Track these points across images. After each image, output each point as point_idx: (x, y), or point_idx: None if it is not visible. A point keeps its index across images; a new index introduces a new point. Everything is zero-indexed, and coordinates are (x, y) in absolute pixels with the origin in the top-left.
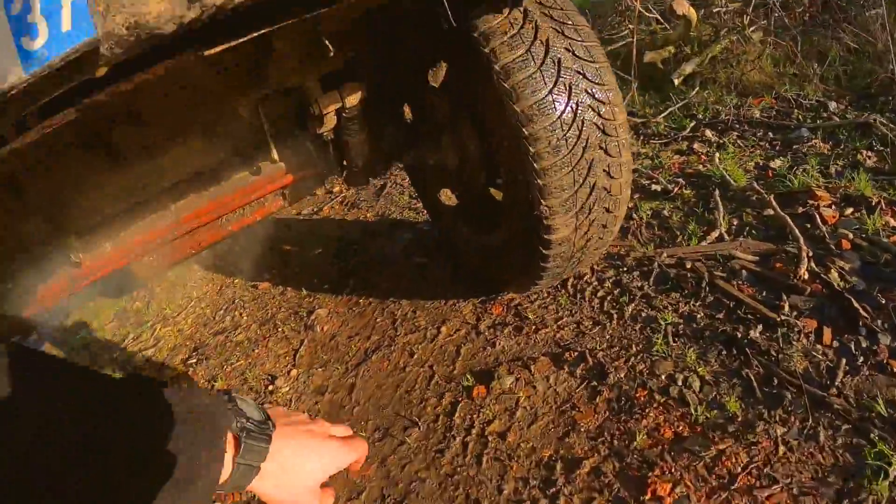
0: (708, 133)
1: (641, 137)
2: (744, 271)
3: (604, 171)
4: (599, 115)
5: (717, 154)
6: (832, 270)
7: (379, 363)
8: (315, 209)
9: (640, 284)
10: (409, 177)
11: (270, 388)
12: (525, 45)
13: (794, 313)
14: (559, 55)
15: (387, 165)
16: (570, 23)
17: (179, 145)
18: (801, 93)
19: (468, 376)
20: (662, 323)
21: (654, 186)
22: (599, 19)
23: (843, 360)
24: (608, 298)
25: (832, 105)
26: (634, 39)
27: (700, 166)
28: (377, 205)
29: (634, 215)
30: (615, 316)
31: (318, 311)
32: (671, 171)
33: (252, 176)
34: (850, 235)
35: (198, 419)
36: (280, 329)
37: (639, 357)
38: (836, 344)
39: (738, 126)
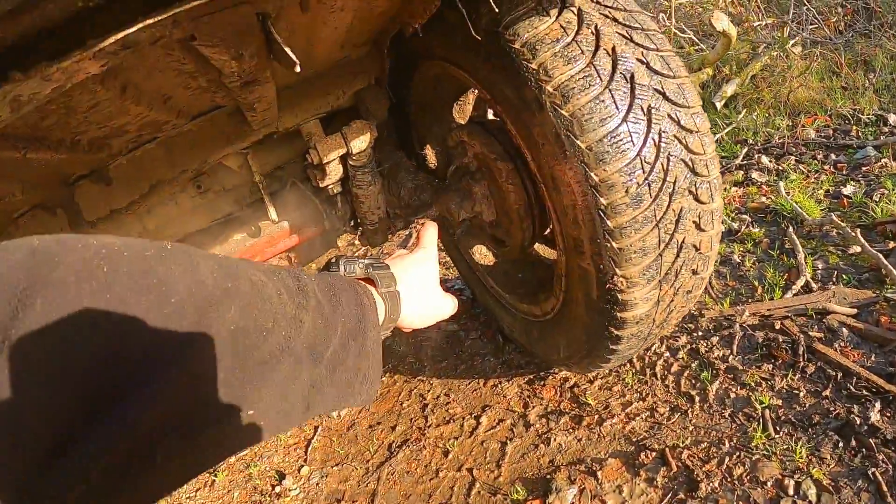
0: (764, 160)
1: None
2: (844, 329)
3: (693, 223)
4: (688, 147)
5: (781, 183)
6: None
7: (406, 463)
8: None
9: (722, 354)
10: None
11: (278, 489)
12: (586, 56)
13: None
14: (631, 68)
15: (407, 221)
16: (638, 26)
17: (163, 205)
18: (856, 107)
19: (517, 486)
20: (758, 406)
21: None
22: None
23: None
24: (685, 374)
25: (892, 118)
26: None
27: (764, 198)
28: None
29: None
30: (697, 398)
31: None
32: (733, 205)
33: (251, 238)
34: None
35: (338, 285)
36: None
37: (735, 456)
38: None
39: (794, 150)
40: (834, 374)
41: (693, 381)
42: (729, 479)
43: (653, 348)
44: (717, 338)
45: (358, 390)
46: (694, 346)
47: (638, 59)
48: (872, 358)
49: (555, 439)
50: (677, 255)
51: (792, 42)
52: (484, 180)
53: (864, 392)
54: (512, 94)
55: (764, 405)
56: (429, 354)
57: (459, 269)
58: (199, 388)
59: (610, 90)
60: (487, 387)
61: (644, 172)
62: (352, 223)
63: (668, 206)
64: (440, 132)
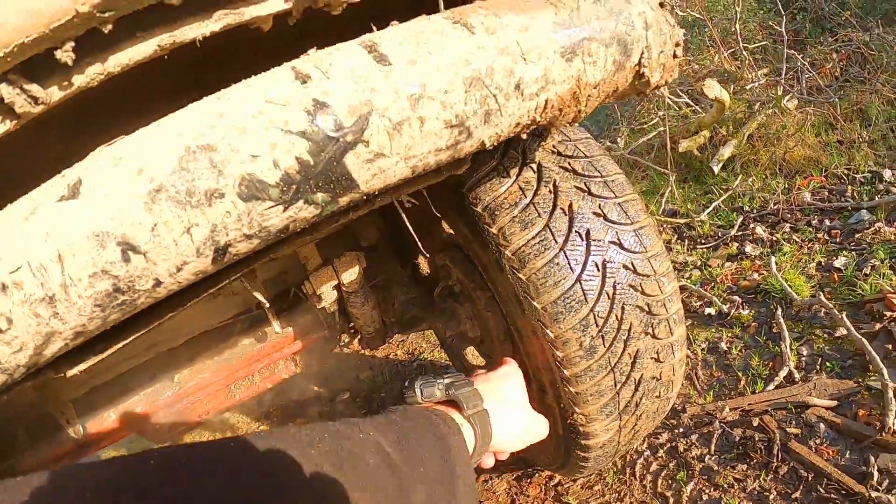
0: (759, 230)
1: (687, 241)
2: (821, 424)
3: (652, 358)
4: (644, 292)
5: (774, 258)
6: None
7: None
8: (345, 343)
9: (699, 453)
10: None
11: None
12: (542, 218)
13: (886, 482)
14: (587, 224)
15: (404, 329)
16: (597, 174)
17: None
18: (851, 164)
19: None
20: None
21: (707, 309)
22: (627, 108)
23: None
24: (663, 474)
25: (887, 174)
26: (667, 129)
27: (756, 275)
28: (407, 339)
29: (689, 351)
30: (672, 500)
31: None
32: (724, 284)
33: (258, 343)
34: None
35: (410, 427)
36: None
37: None
38: None
39: (789, 216)
40: (806, 474)
41: (669, 482)
42: None
43: (636, 446)
44: (697, 435)
45: None
46: (674, 443)
47: (594, 213)
48: (847, 455)
49: None
50: (636, 390)
51: (787, 98)
52: (467, 302)
53: (833, 495)
54: (480, 251)
55: None
56: None
57: (455, 366)
58: None
59: (565, 252)
60: (479, 481)
61: (598, 326)
62: (350, 331)
63: (624, 350)
64: (432, 245)
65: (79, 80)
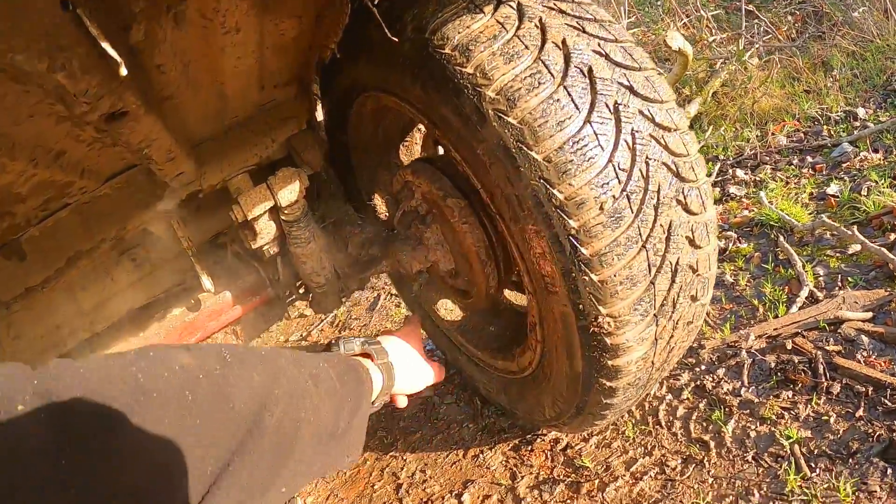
0: (739, 173)
1: None
2: (863, 337)
3: (686, 239)
4: (668, 148)
5: (763, 193)
6: None
7: None
8: (303, 334)
9: (732, 387)
10: (395, 285)
11: None
12: (531, 51)
13: None
14: (588, 61)
15: (360, 281)
16: (590, 17)
17: (98, 282)
18: (824, 106)
19: None
20: (785, 442)
21: None
22: None
23: None
24: (694, 418)
25: (861, 112)
26: None
27: (746, 212)
28: (371, 322)
29: None
30: (712, 444)
31: None
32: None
33: (191, 313)
34: None
35: (344, 367)
36: None
37: None
38: None
39: (768, 159)
40: (863, 389)
41: (704, 425)
42: None
43: (652, 392)
44: (724, 370)
45: (348, 456)
46: (699, 382)
47: (595, 52)
48: None
49: None
50: (672, 281)
51: (748, 55)
52: (435, 223)
53: None
54: (449, 111)
55: (791, 440)
56: (400, 426)
57: (425, 329)
58: (252, 473)
59: (565, 87)
60: (468, 458)
61: (620, 182)
62: (299, 288)
63: (655, 220)
64: (388, 178)
65: None
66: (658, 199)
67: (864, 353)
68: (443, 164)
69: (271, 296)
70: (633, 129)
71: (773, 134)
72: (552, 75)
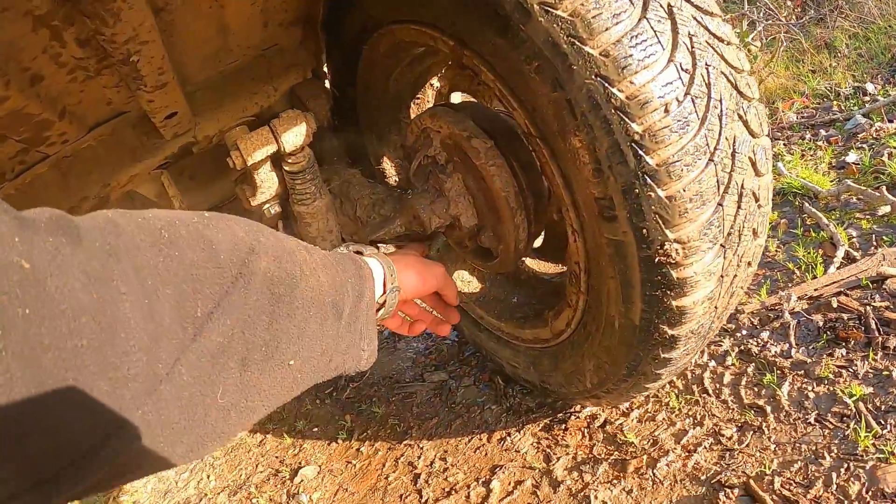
0: None
1: None
2: None
3: (749, 160)
4: (725, 59)
5: (780, 164)
6: None
7: None
8: None
9: (781, 349)
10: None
11: None
12: None
13: None
14: None
15: (371, 234)
16: None
17: None
18: (832, 83)
19: None
20: (848, 400)
21: None
22: None
23: None
24: (744, 383)
25: (870, 87)
26: None
27: None
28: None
29: None
30: (769, 409)
31: (304, 469)
32: None
33: None
34: None
35: (337, 254)
36: (255, 500)
37: (843, 469)
38: None
39: (780, 135)
40: None
41: (757, 389)
42: (847, 501)
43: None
44: (768, 332)
45: (365, 349)
46: (743, 347)
47: None
48: None
49: (596, 496)
50: (738, 206)
51: (751, 37)
52: (457, 173)
53: None
54: (482, 19)
55: (855, 397)
56: (414, 413)
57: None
58: (247, 328)
59: None
60: (493, 442)
61: (683, 84)
62: None
63: (720, 132)
64: (399, 139)
65: None
66: (721, 109)
67: None
68: (463, 107)
69: None
70: (689, 33)
71: (782, 111)
72: None
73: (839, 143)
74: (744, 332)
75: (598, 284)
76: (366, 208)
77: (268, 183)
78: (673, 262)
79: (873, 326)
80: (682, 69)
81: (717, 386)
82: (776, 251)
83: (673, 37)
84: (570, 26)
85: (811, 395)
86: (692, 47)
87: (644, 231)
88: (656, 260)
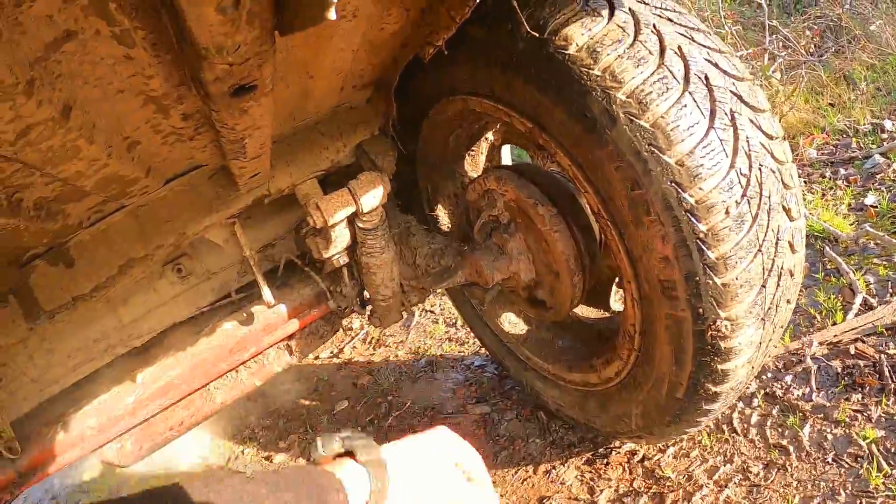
0: None
1: None
2: None
3: (789, 243)
4: (774, 155)
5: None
6: None
7: None
8: (333, 351)
9: (802, 393)
10: (451, 300)
11: None
12: (654, 56)
13: None
14: (703, 69)
15: (423, 294)
16: (693, 25)
17: (140, 293)
18: (851, 119)
19: None
20: (862, 442)
21: None
22: None
23: None
24: (769, 424)
25: (888, 124)
26: None
27: None
28: (408, 339)
29: None
30: (791, 448)
31: None
32: None
33: (243, 327)
34: None
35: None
36: None
37: None
38: None
39: (801, 172)
40: None
41: (781, 430)
42: None
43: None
44: (791, 376)
45: None
46: (768, 390)
47: (707, 60)
48: None
49: None
50: (778, 284)
51: (772, 69)
52: (519, 233)
53: None
54: (566, 113)
55: (868, 440)
56: None
57: (485, 343)
58: None
59: (690, 93)
60: (539, 474)
61: (741, 187)
62: (359, 301)
63: (768, 225)
64: (452, 189)
65: None
66: (770, 204)
67: None
68: (526, 171)
69: (332, 309)
70: (747, 137)
71: (803, 147)
72: (677, 81)
73: (858, 182)
74: (769, 376)
75: (651, 347)
76: (426, 257)
77: (341, 238)
78: (722, 335)
79: (887, 374)
80: (741, 174)
81: (745, 426)
82: (799, 295)
83: (734, 143)
84: (651, 136)
85: (829, 436)
86: (749, 151)
87: (700, 310)
88: (709, 334)
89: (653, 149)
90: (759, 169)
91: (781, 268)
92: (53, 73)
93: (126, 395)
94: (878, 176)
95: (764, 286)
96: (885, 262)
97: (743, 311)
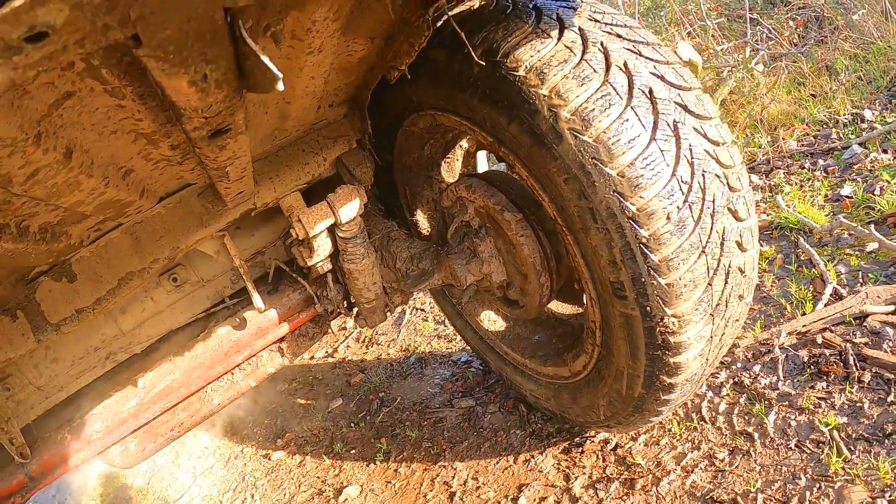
0: (754, 178)
1: None
2: (888, 329)
3: (736, 243)
4: (719, 161)
5: (779, 197)
6: None
7: None
8: (328, 350)
9: (769, 381)
10: (434, 299)
11: None
12: (598, 73)
13: None
14: (648, 83)
15: (405, 295)
16: (642, 40)
17: (138, 302)
18: (831, 110)
19: None
20: (824, 429)
21: None
22: None
23: None
24: (737, 412)
25: (867, 114)
26: None
27: (765, 216)
28: (399, 338)
29: None
30: (756, 435)
31: (347, 489)
32: None
33: (236, 332)
34: None
35: None
36: None
37: (816, 488)
38: None
39: (781, 163)
40: (892, 376)
41: (747, 418)
42: None
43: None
44: (759, 366)
45: None
46: (737, 379)
47: (652, 73)
48: None
49: None
50: (726, 282)
51: (754, 62)
52: (489, 237)
53: None
54: (519, 130)
55: (830, 426)
56: (446, 436)
57: (467, 340)
58: None
59: (632, 108)
60: (519, 463)
61: (683, 193)
62: (345, 304)
63: (712, 227)
64: (430, 195)
65: None
66: (714, 207)
67: (890, 343)
68: (495, 179)
69: (319, 312)
70: (690, 145)
71: (783, 139)
72: (620, 97)
73: (836, 173)
74: (738, 366)
75: (610, 341)
76: (405, 261)
77: (323, 247)
78: (671, 331)
79: (852, 362)
80: (682, 181)
81: (713, 414)
82: (771, 286)
83: (676, 152)
84: (594, 150)
85: (793, 423)
86: (692, 158)
87: (648, 308)
88: (657, 330)
89: (596, 162)
90: (703, 175)
91: (729, 266)
92: (56, 124)
93: (129, 399)
94: (855, 166)
95: (710, 284)
96: (857, 252)
97: (689, 308)
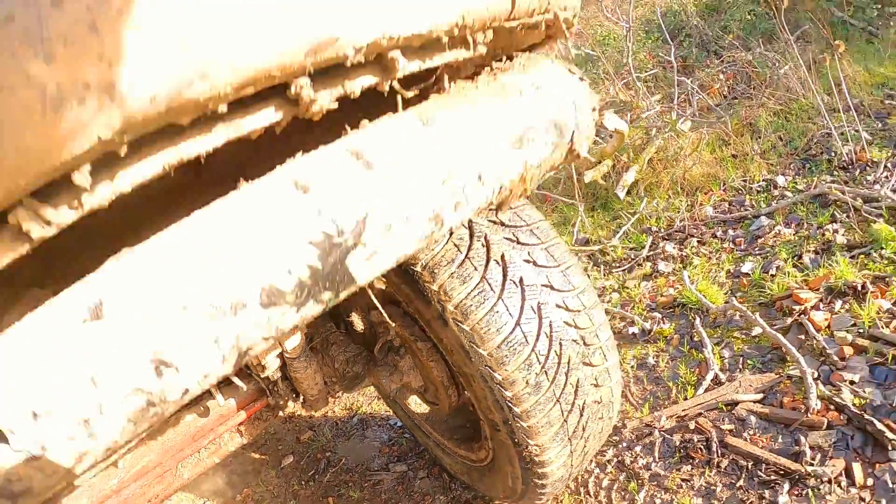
0: (668, 248)
1: (602, 267)
2: (752, 417)
3: (592, 385)
4: (577, 326)
5: (686, 273)
6: (843, 390)
7: None
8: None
9: (645, 462)
10: (375, 387)
11: None
12: (478, 271)
13: (818, 456)
14: (520, 272)
15: (347, 388)
16: (523, 223)
17: None
18: (746, 176)
19: None
20: None
21: (631, 329)
22: None
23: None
24: (615, 488)
25: (780, 180)
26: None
27: (671, 290)
28: (344, 395)
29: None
30: None
31: None
32: (643, 303)
33: (201, 419)
34: (849, 338)
35: None
36: None
37: None
38: (870, 482)
39: (695, 231)
40: (745, 463)
41: (622, 493)
42: None
43: (586, 466)
44: (640, 447)
45: None
46: (620, 458)
47: (525, 260)
48: (779, 440)
49: None
50: (581, 415)
51: (681, 121)
52: (408, 355)
53: (773, 476)
54: (422, 307)
55: None
56: (383, 498)
57: (398, 416)
58: None
59: (503, 300)
60: None
61: (540, 363)
62: (293, 395)
63: (566, 382)
64: (364, 301)
65: (91, 202)
66: (568, 367)
67: (751, 432)
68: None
69: (270, 402)
70: (550, 322)
71: (700, 204)
72: (493, 292)
73: (742, 244)
74: (624, 445)
75: (497, 450)
76: (342, 363)
77: (272, 365)
78: (535, 455)
79: (714, 448)
80: (539, 354)
81: (597, 489)
82: (664, 367)
83: (537, 331)
84: (470, 336)
85: (658, 501)
86: (551, 333)
87: (516, 440)
88: (524, 454)
89: (472, 344)
90: (560, 344)
91: (584, 404)
92: None
93: (111, 478)
94: (759, 240)
95: (566, 421)
96: (743, 336)
97: (548, 439)
